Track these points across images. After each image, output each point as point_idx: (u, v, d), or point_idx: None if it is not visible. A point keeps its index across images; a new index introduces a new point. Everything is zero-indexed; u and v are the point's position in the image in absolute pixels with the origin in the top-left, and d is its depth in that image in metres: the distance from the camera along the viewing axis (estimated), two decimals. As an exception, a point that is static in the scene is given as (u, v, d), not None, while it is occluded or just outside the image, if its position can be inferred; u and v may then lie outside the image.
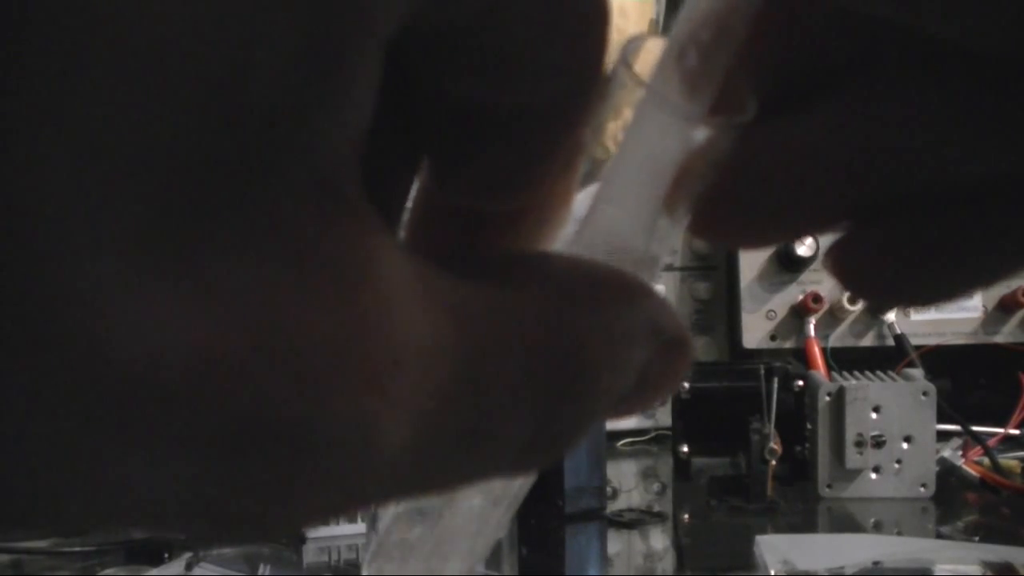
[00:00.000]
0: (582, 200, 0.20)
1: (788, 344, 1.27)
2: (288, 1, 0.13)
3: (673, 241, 0.20)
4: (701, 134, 0.19)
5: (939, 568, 0.94)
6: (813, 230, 0.22)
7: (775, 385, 1.11)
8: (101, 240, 0.13)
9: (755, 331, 1.28)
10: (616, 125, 0.19)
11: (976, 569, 0.94)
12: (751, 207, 0.22)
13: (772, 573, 0.90)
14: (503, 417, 0.17)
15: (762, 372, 1.13)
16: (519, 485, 0.21)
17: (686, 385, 1.17)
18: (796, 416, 1.13)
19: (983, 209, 0.21)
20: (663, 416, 1.28)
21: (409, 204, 0.20)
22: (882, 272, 0.22)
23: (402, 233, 0.20)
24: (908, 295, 0.23)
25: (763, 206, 0.22)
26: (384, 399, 0.15)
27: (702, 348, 1.34)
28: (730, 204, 0.21)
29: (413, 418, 0.15)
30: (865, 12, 0.19)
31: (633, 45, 0.19)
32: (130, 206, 0.13)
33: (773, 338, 1.28)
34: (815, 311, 1.25)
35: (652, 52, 0.19)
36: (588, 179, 0.20)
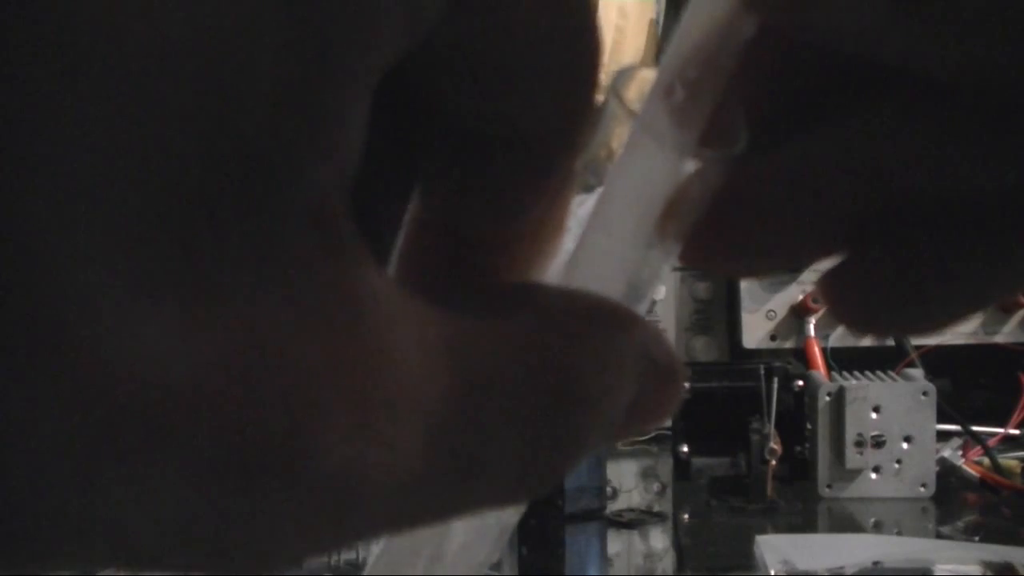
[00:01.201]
0: (573, 229, 0.20)
1: (788, 344, 1.27)
2: (278, 37, 0.13)
3: (663, 271, 0.20)
4: (691, 165, 0.19)
5: (939, 568, 0.94)
6: (805, 260, 0.22)
7: (775, 385, 1.11)
8: (103, 256, 0.13)
9: (755, 331, 1.28)
10: (606, 155, 0.19)
11: (976, 569, 0.94)
12: (742, 237, 0.22)
13: (772, 573, 0.90)
14: (495, 450, 0.17)
15: (762, 372, 1.13)
16: (511, 511, 0.21)
17: (686, 385, 1.17)
18: (796, 416, 1.13)
19: (975, 232, 0.21)
20: (663, 416, 1.27)
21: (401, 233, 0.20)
22: (877, 300, 0.22)
23: (395, 261, 0.20)
24: (903, 322, 0.23)
25: (754, 236, 0.22)
26: (375, 437, 0.15)
27: (702, 348, 1.34)
28: (721, 234, 0.21)
29: (405, 454, 0.15)
30: (851, 52, 0.19)
31: (624, 75, 0.19)
32: (131, 223, 0.13)
33: (773, 338, 1.28)
34: (815, 311, 1.25)
35: (643, 82, 0.19)
36: (578, 208, 0.20)
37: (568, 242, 0.20)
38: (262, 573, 0.15)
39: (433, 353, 0.16)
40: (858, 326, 0.23)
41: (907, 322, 0.22)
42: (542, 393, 0.17)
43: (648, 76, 0.19)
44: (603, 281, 0.19)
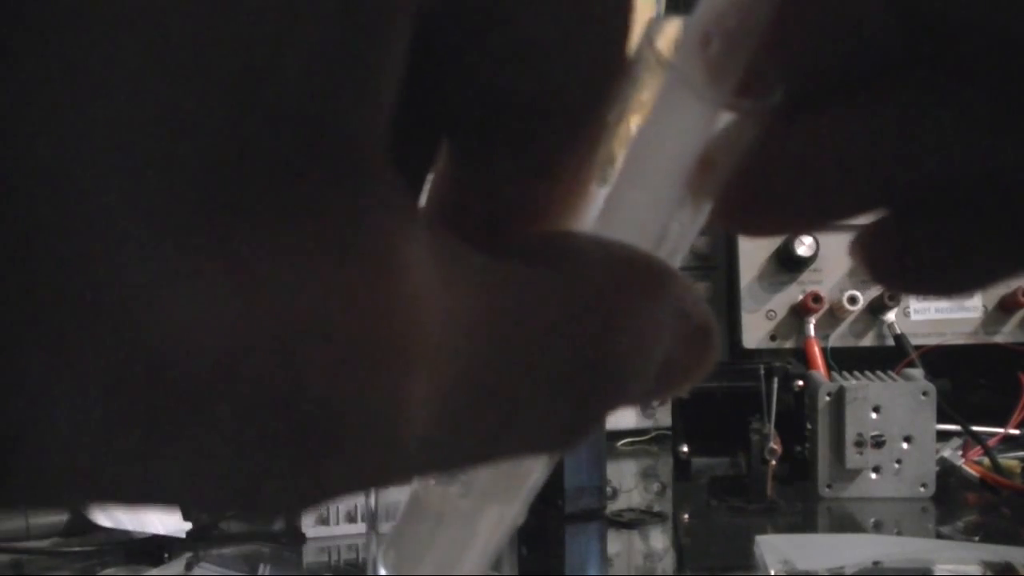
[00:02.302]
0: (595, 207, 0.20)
1: (788, 344, 1.27)
2: None
3: (697, 228, 0.20)
4: (725, 118, 0.19)
5: (939, 568, 0.94)
6: (840, 218, 0.22)
7: (775, 385, 1.11)
8: (141, 225, 0.13)
9: (755, 331, 1.28)
10: (640, 106, 0.19)
11: (976, 569, 0.94)
12: (777, 195, 0.21)
13: (772, 573, 0.90)
14: (531, 396, 0.17)
15: (762, 372, 1.13)
16: (531, 484, 0.21)
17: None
18: (796, 416, 1.13)
19: (1015, 199, 0.21)
20: (663, 416, 1.28)
21: (427, 188, 0.20)
22: (912, 257, 0.22)
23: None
24: (939, 281, 0.22)
25: (790, 194, 0.21)
26: (414, 382, 0.15)
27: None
28: (756, 191, 0.21)
29: (439, 391, 0.15)
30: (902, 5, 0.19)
31: (657, 25, 0.19)
32: (168, 192, 0.13)
33: (773, 338, 1.28)
34: (815, 311, 1.25)
35: (676, 33, 0.19)
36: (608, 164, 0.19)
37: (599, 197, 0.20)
38: (297, 513, 0.15)
39: (472, 297, 0.16)
40: (892, 283, 0.22)
41: (943, 281, 0.22)
42: (580, 340, 0.17)
43: (681, 27, 0.19)
44: (635, 235, 0.19)
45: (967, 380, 1.28)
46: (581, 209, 0.19)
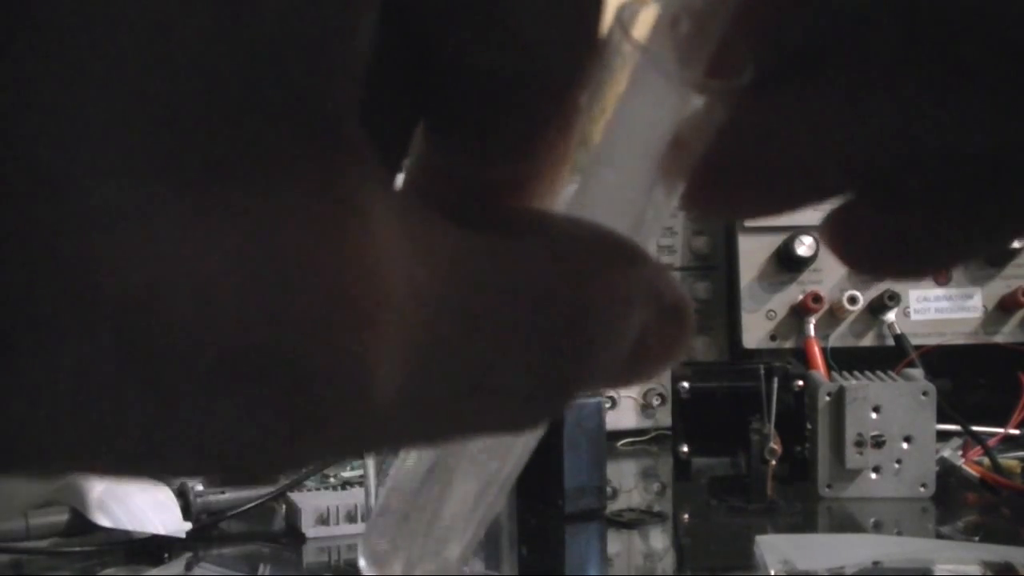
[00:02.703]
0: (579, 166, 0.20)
1: (788, 344, 1.27)
2: None
3: (669, 208, 0.20)
4: (697, 99, 0.19)
5: (939, 568, 0.94)
6: (810, 200, 0.22)
7: (775, 385, 1.11)
8: (108, 163, 0.13)
9: (755, 331, 1.28)
10: (611, 89, 0.19)
11: (976, 569, 0.94)
12: (747, 175, 0.21)
13: (772, 573, 0.90)
14: (501, 365, 0.17)
15: (762, 372, 1.13)
16: (512, 465, 0.21)
17: (686, 385, 1.17)
18: (796, 416, 1.13)
19: (988, 173, 0.21)
20: (663, 416, 1.28)
21: (404, 167, 0.20)
22: (882, 239, 0.22)
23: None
24: (907, 263, 0.22)
25: (760, 174, 0.21)
26: (377, 335, 0.15)
27: (702, 348, 1.34)
28: (727, 171, 0.21)
29: (407, 355, 0.15)
30: None
31: (629, 10, 0.19)
32: (139, 132, 0.13)
33: (773, 338, 1.28)
34: (815, 311, 1.25)
35: (647, 19, 0.19)
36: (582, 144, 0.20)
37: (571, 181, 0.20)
38: (270, 475, 0.15)
39: (441, 260, 0.16)
40: (860, 266, 0.23)
41: (911, 263, 0.22)
42: (550, 311, 0.17)
43: (652, 12, 0.19)
44: (608, 215, 0.19)
45: (967, 380, 1.28)
46: (555, 190, 0.19)
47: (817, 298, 1.25)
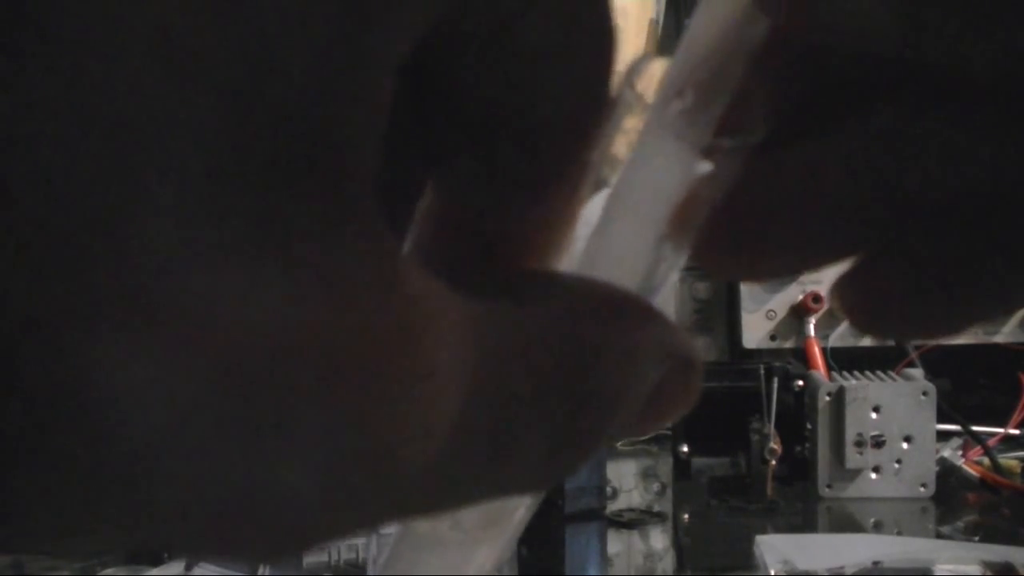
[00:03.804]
0: (587, 221, 0.20)
1: (788, 344, 1.27)
2: (316, 6, 0.13)
3: (678, 266, 0.20)
4: (706, 160, 0.19)
5: (939, 568, 0.94)
6: (817, 263, 0.22)
7: (775, 385, 1.12)
8: (185, 237, 0.13)
9: (755, 331, 1.28)
10: (621, 147, 0.19)
11: (976, 569, 0.94)
12: (754, 237, 0.21)
13: (772, 573, 0.90)
14: (521, 432, 0.17)
15: (762, 372, 1.13)
16: (517, 522, 0.21)
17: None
18: (796, 416, 1.13)
19: (996, 233, 0.20)
20: (663, 416, 1.27)
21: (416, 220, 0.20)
22: (893, 303, 0.22)
23: (409, 249, 0.20)
24: (921, 326, 0.22)
25: (766, 237, 0.21)
26: (407, 413, 0.15)
27: (702, 348, 1.34)
28: (733, 234, 0.21)
29: (434, 431, 0.15)
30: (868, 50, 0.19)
31: (637, 66, 0.19)
32: (172, 193, 0.13)
33: (773, 338, 1.28)
34: (815, 311, 1.25)
35: (656, 74, 0.19)
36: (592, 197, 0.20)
37: (582, 235, 0.20)
38: (285, 553, 0.15)
39: (459, 332, 0.16)
40: (873, 329, 0.22)
41: (925, 326, 0.22)
42: (566, 374, 0.17)
43: (662, 67, 0.19)
44: (617, 274, 0.19)
45: (967, 380, 1.28)
46: (564, 246, 0.19)
47: (817, 298, 1.25)
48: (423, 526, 0.21)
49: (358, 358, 0.14)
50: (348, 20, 0.14)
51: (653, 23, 1.24)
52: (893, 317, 0.22)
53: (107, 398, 0.13)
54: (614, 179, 0.19)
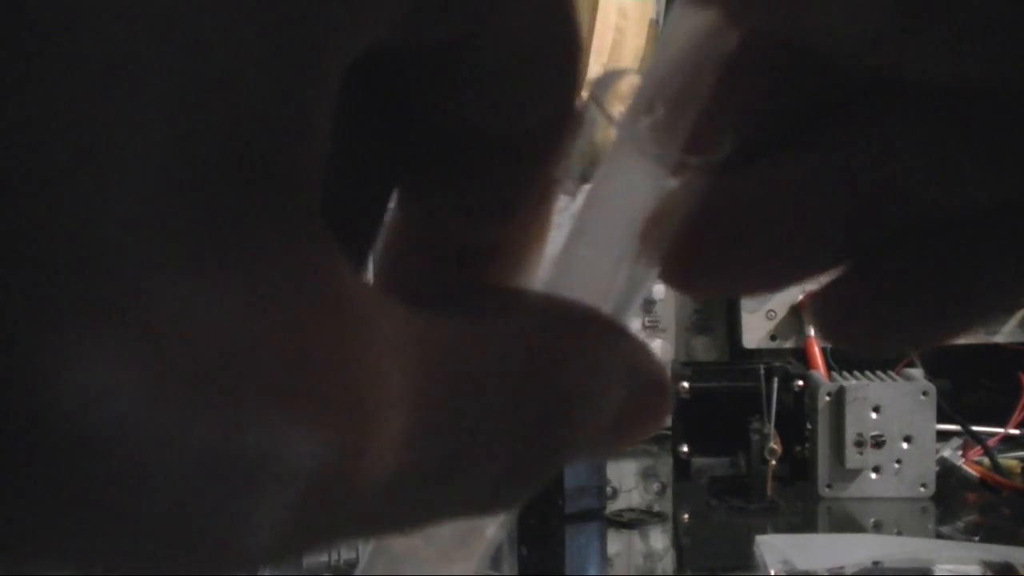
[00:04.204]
0: (555, 234, 0.20)
1: (788, 344, 1.27)
2: (251, 27, 0.13)
3: (647, 283, 0.20)
4: (673, 179, 0.19)
5: (939, 568, 0.94)
6: (797, 276, 0.21)
7: (775, 385, 1.11)
8: (145, 244, 0.13)
9: (755, 331, 1.28)
10: (587, 159, 0.19)
11: (976, 569, 0.94)
12: (724, 254, 0.21)
13: (772, 573, 0.90)
14: (477, 452, 0.16)
15: (762, 372, 1.13)
16: (489, 539, 0.21)
17: (686, 385, 1.17)
18: (796, 416, 1.13)
19: (975, 244, 0.20)
20: (663, 416, 1.27)
21: (382, 235, 0.20)
22: (872, 316, 0.21)
23: (375, 265, 0.20)
24: (901, 336, 0.22)
25: (737, 253, 0.21)
26: (352, 436, 0.15)
27: (702, 348, 1.34)
28: (703, 251, 0.21)
29: (382, 454, 0.15)
30: (843, 62, 0.19)
31: (605, 81, 0.19)
32: (163, 216, 0.13)
33: (773, 338, 1.28)
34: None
35: (624, 88, 0.19)
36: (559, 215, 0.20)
37: (550, 249, 0.20)
38: (232, 572, 0.15)
39: (412, 354, 0.16)
40: (850, 343, 0.22)
41: (904, 339, 0.22)
42: (524, 398, 0.17)
43: (630, 82, 0.19)
44: (586, 291, 0.19)
45: (967, 380, 1.28)
46: (531, 262, 0.19)
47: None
48: (397, 542, 0.21)
49: (298, 374, 0.14)
50: (289, 33, 0.14)
51: (653, 23, 1.24)
52: (870, 329, 0.22)
53: (55, 402, 0.13)
54: (582, 194, 0.19)
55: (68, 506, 0.14)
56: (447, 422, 0.16)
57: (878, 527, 1.03)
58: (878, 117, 0.20)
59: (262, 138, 0.14)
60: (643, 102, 0.19)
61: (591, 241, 0.19)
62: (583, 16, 1.27)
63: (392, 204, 0.19)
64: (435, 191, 0.18)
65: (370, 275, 0.20)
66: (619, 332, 0.19)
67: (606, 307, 0.19)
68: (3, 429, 0.13)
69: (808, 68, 0.20)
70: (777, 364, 1.15)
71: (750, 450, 1.09)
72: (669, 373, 1.18)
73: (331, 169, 0.15)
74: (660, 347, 1.13)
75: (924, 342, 0.22)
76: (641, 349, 0.19)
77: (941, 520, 1.05)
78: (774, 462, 1.08)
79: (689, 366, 1.24)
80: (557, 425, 0.17)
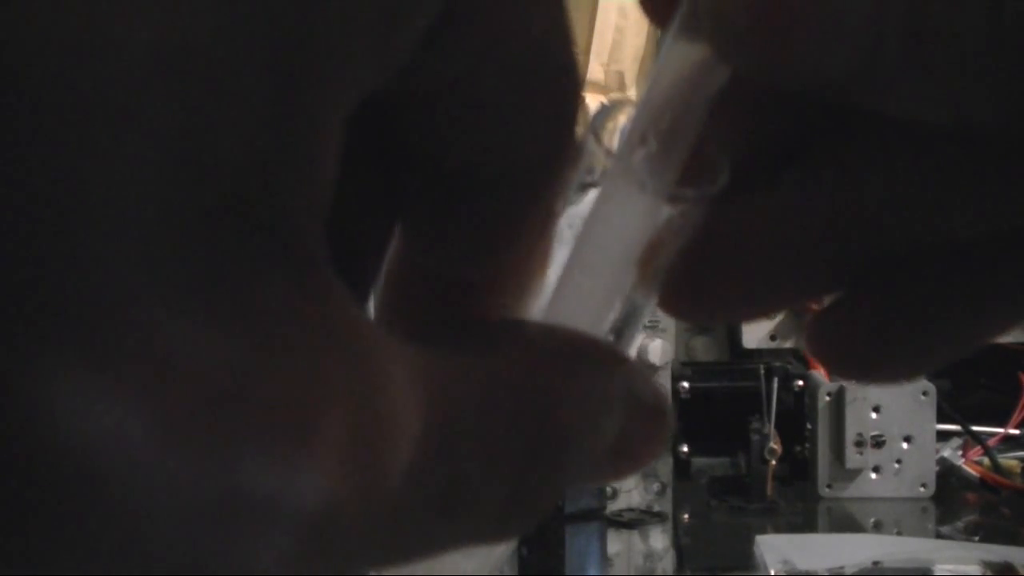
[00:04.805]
0: (555, 268, 0.20)
1: (788, 344, 1.27)
2: (248, 78, 0.13)
3: (646, 312, 0.20)
4: (669, 209, 0.19)
5: (939, 568, 0.94)
6: (793, 301, 0.22)
7: (775, 385, 1.12)
8: (143, 281, 0.13)
9: (755, 331, 1.28)
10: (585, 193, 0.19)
11: (976, 569, 0.94)
12: (721, 283, 0.21)
13: (772, 573, 0.91)
14: (476, 484, 0.17)
15: (762, 372, 1.13)
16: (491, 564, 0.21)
17: (686, 385, 1.17)
18: (796, 416, 1.13)
19: (965, 273, 0.20)
20: (663, 416, 1.27)
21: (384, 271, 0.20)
22: (869, 343, 0.21)
23: (376, 300, 0.20)
24: (891, 366, 0.22)
25: (733, 282, 0.21)
26: (353, 472, 0.15)
27: (702, 348, 1.34)
28: (700, 280, 0.21)
29: (383, 489, 0.15)
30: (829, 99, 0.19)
31: (601, 115, 0.19)
32: (160, 253, 0.13)
33: (773, 338, 1.28)
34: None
35: (621, 122, 0.19)
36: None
37: (549, 280, 0.20)
38: None
39: (412, 389, 0.16)
40: (846, 372, 0.22)
41: (896, 366, 0.22)
42: (524, 429, 0.17)
43: (626, 116, 0.19)
44: (585, 320, 0.19)
45: (967, 380, 1.28)
46: (530, 294, 0.20)
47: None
48: None
49: (304, 414, 0.14)
50: (288, 84, 0.14)
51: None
52: (862, 359, 0.22)
53: (64, 444, 0.13)
54: (579, 226, 0.19)
55: (74, 546, 0.14)
56: (449, 455, 0.16)
57: (878, 527, 1.04)
58: (861, 152, 0.20)
59: (263, 186, 0.14)
60: (637, 134, 0.19)
61: (587, 270, 0.19)
62: (583, 16, 1.27)
63: (393, 240, 0.19)
64: (435, 226, 0.19)
65: (371, 310, 0.20)
66: (618, 360, 0.19)
67: (605, 335, 0.19)
68: (13, 471, 0.13)
69: (799, 101, 0.20)
70: (777, 364, 1.16)
71: (750, 450, 1.09)
72: (669, 373, 1.19)
73: (333, 207, 0.15)
74: (660, 347, 1.13)
75: (916, 370, 0.22)
76: (640, 376, 0.19)
77: (941, 520, 1.06)
78: (774, 462, 1.09)
79: (689, 366, 1.24)
80: (554, 454, 0.17)
